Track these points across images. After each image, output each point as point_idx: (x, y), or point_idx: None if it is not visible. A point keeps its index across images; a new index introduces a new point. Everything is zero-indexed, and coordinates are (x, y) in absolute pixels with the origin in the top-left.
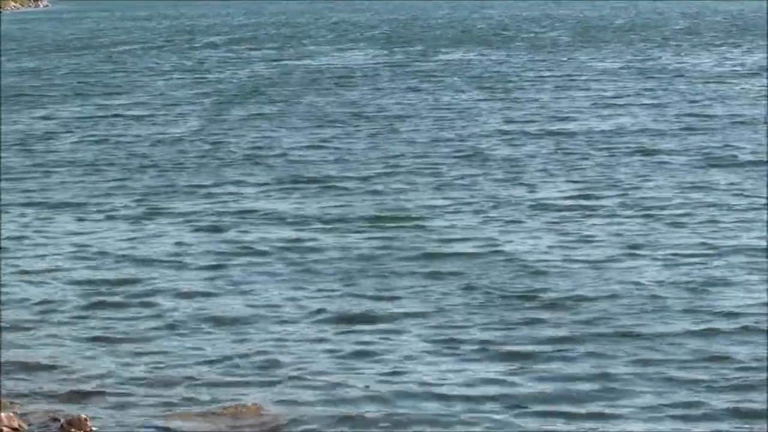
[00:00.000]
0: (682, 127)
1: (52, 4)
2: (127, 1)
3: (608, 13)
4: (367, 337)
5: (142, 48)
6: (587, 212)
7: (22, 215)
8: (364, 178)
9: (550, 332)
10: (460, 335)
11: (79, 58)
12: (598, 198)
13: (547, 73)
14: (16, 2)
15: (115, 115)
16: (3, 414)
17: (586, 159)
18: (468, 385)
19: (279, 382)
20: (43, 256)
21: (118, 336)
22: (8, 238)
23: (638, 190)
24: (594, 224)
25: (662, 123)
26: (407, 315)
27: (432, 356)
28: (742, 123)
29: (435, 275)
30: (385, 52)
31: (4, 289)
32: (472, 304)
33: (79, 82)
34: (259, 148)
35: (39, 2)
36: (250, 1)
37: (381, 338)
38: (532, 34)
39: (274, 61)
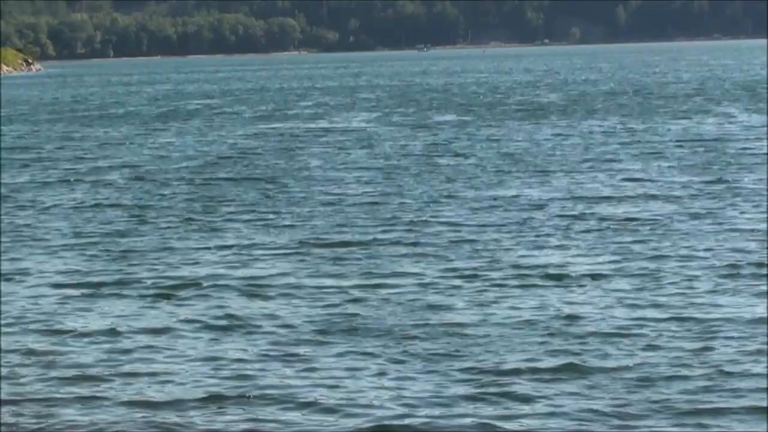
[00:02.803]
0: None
1: (45, 68)
2: (117, 60)
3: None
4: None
5: (122, 115)
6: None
7: None
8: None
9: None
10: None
11: (60, 124)
12: (564, 265)
13: (540, 137)
14: (8, 66)
15: (76, 180)
16: None
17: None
18: None
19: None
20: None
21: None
22: None
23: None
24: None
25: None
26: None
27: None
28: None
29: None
30: (380, 115)
31: None
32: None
33: (56, 148)
34: (229, 215)
35: (32, 66)
36: (238, 67)
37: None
38: (526, 98)
39: (261, 125)
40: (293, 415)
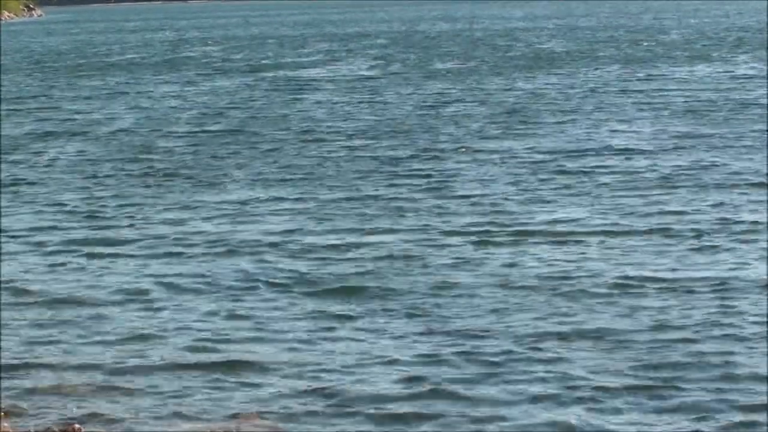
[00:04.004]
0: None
1: (47, 14)
2: (118, 6)
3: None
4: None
5: (118, 64)
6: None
7: None
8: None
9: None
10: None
11: (53, 74)
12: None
13: (539, 86)
14: (10, 12)
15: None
16: None
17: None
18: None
19: (274, 391)
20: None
21: (109, 351)
22: None
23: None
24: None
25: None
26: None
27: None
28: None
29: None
30: (380, 63)
31: None
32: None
33: (45, 100)
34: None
35: (33, 12)
36: (239, 12)
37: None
38: (526, 45)
39: (259, 74)
40: (270, 380)
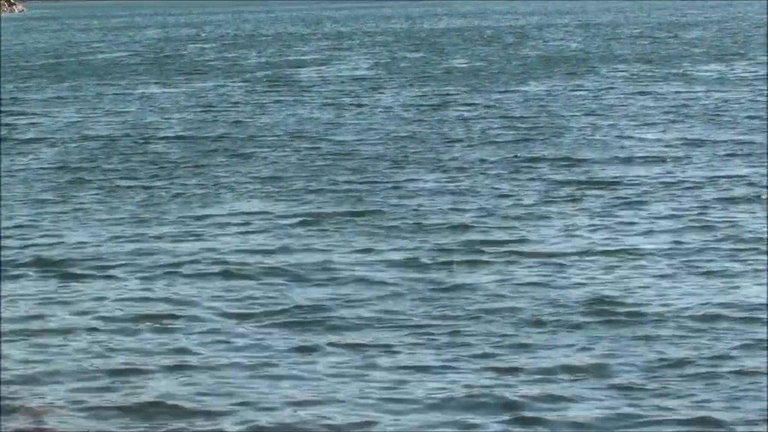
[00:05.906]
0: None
1: (29, 9)
2: (104, 2)
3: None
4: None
5: (101, 65)
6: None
7: None
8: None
9: None
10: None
11: (30, 75)
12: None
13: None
14: None
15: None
16: None
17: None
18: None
19: (252, 407)
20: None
21: (97, 362)
22: None
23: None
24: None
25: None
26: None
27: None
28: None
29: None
30: (386, 62)
31: None
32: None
33: (13, 104)
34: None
35: (14, 7)
36: (232, 8)
37: (343, 362)
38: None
39: (254, 74)
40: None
